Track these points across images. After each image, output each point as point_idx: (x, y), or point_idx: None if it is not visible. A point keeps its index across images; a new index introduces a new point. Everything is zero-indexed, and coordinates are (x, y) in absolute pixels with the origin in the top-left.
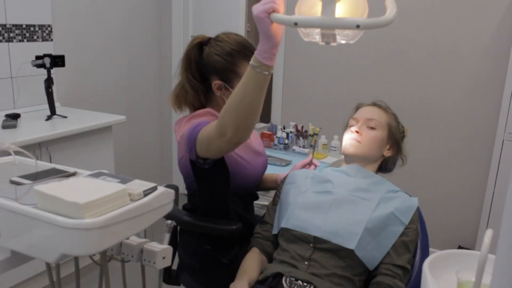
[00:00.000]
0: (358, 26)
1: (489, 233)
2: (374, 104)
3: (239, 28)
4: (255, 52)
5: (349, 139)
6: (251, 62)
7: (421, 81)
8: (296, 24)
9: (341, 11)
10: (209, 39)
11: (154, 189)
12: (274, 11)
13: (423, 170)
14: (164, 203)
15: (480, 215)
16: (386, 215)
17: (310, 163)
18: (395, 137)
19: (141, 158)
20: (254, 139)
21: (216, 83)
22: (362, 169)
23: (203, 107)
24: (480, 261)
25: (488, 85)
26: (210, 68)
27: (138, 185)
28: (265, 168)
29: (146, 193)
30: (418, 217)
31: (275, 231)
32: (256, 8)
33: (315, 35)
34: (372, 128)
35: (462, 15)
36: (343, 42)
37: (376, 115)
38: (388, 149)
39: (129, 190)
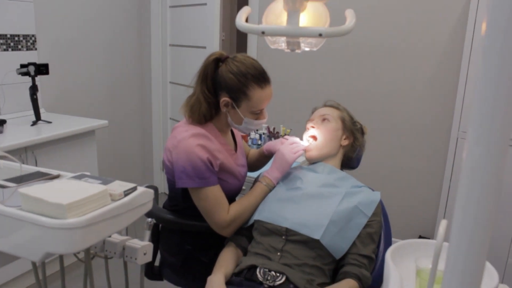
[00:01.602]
0: (320, 35)
1: (443, 223)
2: (325, 105)
3: (215, 37)
4: (270, 176)
5: (307, 138)
6: (265, 183)
7: (383, 86)
8: (263, 32)
9: (304, 21)
10: (227, 57)
11: (134, 189)
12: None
13: (385, 167)
14: (144, 202)
15: (438, 206)
16: (350, 208)
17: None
18: (349, 127)
19: (123, 160)
20: (240, 152)
21: (224, 100)
22: (327, 166)
23: (212, 118)
24: (436, 249)
25: (442, 85)
26: (222, 84)
27: (118, 186)
28: (245, 176)
29: (127, 193)
30: (381, 210)
31: (244, 225)
32: (290, 157)
33: (281, 43)
34: (325, 120)
35: (417, 16)
36: (307, 49)
37: (328, 111)
38: (344, 139)
39: (110, 191)
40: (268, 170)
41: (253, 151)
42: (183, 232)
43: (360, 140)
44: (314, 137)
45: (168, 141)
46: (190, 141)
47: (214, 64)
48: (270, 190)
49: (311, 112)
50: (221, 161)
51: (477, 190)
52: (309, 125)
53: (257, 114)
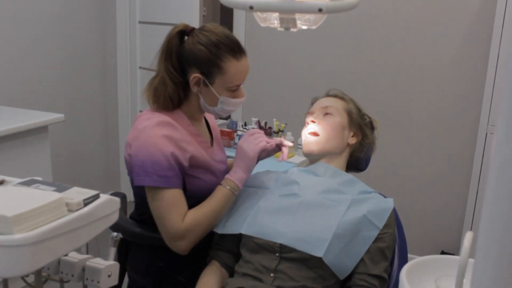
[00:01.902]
0: (320, 10)
1: (469, 236)
2: (328, 95)
3: (194, 12)
4: (234, 178)
5: (306, 135)
6: (229, 187)
7: (397, 72)
8: (251, 8)
9: None
10: (193, 29)
11: (96, 197)
12: (265, 149)
13: (400, 169)
14: (108, 213)
15: (464, 216)
16: (358, 218)
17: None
18: (357, 122)
19: (83, 163)
20: (217, 146)
21: (195, 76)
22: (330, 167)
23: (181, 103)
24: (460, 266)
25: (468, 70)
26: (191, 59)
27: (77, 193)
28: (225, 174)
29: (87, 202)
30: (395, 220)
31: (218, 230)
32: (252, 150)
33: (273, 20)
34: (328, 114)
35: (442, 2)
36: (304, 27)
37: (332, 102)
38: (352, 136)
39: (66, 199)
40: (231, 171)
41: (231, 161)
42: (153, 247)
43: (369, 138)
44: (315, 134)
45: (129, 134)
46: (154, 130)
47: (178, 38)
48: (235, 195)
49: (311, 103)
50: (191, 154)
51: (507, 194)
52: (308, 119)
53: (234, 92)
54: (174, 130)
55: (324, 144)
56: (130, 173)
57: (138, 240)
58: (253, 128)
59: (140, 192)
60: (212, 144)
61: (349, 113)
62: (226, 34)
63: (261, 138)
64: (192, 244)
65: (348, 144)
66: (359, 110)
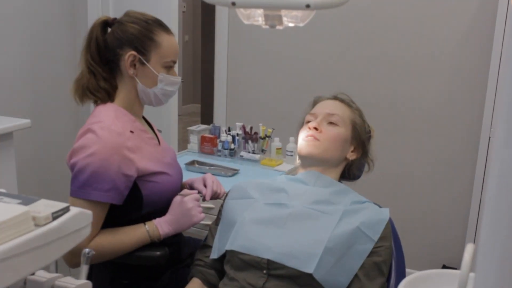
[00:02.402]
0: (308, 6)
1: (470, 248)
2: (335, 98)
3: (172, 8)
4: (161, 231)
5: (305, 138)
6: (151, 234)
7: (393, 73)
8: (234, 4)
9: None
10: (115, 18)
11: (65, 210)
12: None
13: (397, 177)
14: (80, 227)
15: (467, 226)
16: (350, 230)
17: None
18: (361, 137)
19: (51, 172)
20: (165, 148)
21: (130, 54)
22: (322, 176)
23: (109, 97)
24: (460, 281)
25: (470, 71)
26: (122, 40)
27: (45, 206)
28: (181, 177)
29: (56, 215)
30: (391, 232)
31: (214, 255)
32: (198, 218)
33: (258, 17)
34: (333, 124)
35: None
36: (291, 25)
37: (338, 109)
38: (352, 151)
39: (33, 213)
40: (161, 221)
41: (192, 180)
42: (117, 264)
43: (369, 155)
44: (314, 138)
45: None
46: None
47: (101, 28)
48: (151, 241)
49: (312, 102)
50: (138, 165)
51: (508, 203)
52: (311, 124)
53: (170, 69)
54: (118, 136)
55: (323, 151)
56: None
57: None
58: (237, 134)
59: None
60: (159, 143)
61: (354, 125)
62: (152, 16)
63: (201, 209)
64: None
65: (346, 158)
66: (363, 122)
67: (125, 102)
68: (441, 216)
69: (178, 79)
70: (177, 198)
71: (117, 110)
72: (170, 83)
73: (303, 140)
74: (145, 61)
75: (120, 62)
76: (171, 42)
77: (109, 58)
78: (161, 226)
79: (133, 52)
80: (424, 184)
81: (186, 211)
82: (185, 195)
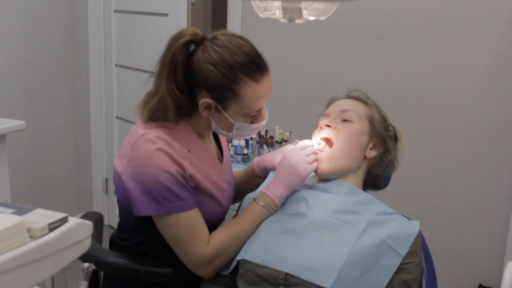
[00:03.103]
0: None
1: (510, 267)
2: (349, 96)
3: (181, 1)
4: (272, 195)
5: (316, 144)
6: (264, 204)
7: (423, 74)
8: None
9: None
10: (204, 38)
11: (63, 220)
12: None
13: (428, 186)
14: (78, 240)
15: (505, 243)
16: (376, 244)
17: None
18: (380, 133)
19: (48, 179)
20: (227, 163)
21: (204, 101)
22: (344, 184)
23: (184, 117)
24: None
25: (508, 69)
26: (200, 80)
27: (41, 217)
28: (231, 199)
29: (53, 226)
30: (422, 247)
31: (225, 271)
32: (305, 170)
33: (275, 10)
34: (347, 120)
35: None
36: (311, 18)
37: (352, 106)
38: (371, 149)
39: (28, 224)
40: (269, 185)
41: (236, 172)
42: (133, 281)
43: (392, 153)
44: (328, 141)
45: (124, 144)
46: (150, 147)
47: (185, 50)
48: (271, 213)
49: (327, 105)
50: (190, 172)
51: None
52: (323, 122)
53: (253, 117)
54: (170, 145)
55: (338, 161)
56: (121, 195)
57: (116, 273)
58: (251, 138)
59: (126, 216)
60: (222, 161)
61: (372, 121)
62: (244, 49)
63: (314, 156)
64: (218, 268)
65: (365, 158)
66: (383, 118)
67: (195, 123)
68: (477, 229)
69: (260, 125)
70: (279, 157)
71: (184, 126)
72: (249, 130)
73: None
74: (222, 110)
75: (196, 99)
76: (258, 93)
77: (193, 86)
78: (271, 192)
79: (209, 100)
80: (459, 197)
81: (291, 169)
82: (286, 150)
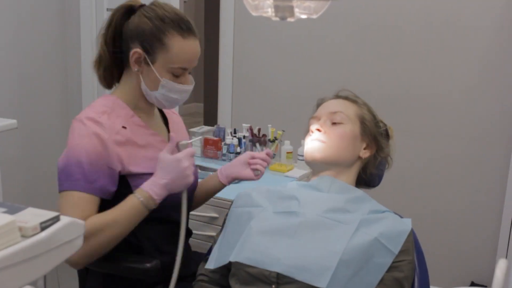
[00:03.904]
0: None
1: (502, 264)
2: (337, 96)
3: None
4: (148, 189)
5: (309, 143)
6: (140, 197)
7: (415, 66)
8: None
9: None
10: (142, 5)
11: (55, 219)
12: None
13: (420, 185)
14: (70, 238)
15: (498, 239)
16: (368, 242)
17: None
18: (371, 132)
19: (39, 178)
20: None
21: (135, 51)
22: (336, 181)
23: (112, 84)
24: None
25: (504, 65)
26: (133, 32)
27: (32, 215)
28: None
29: (44, 225)
30: (414, 245)
31: (210, 265)
32: (192, 178)
33: (267, 8)
34: (337, 123)
35: None
36: (303, 17)
37: (342, 107)
38: (364, 148)
39: (19, 223)
40: (151, 182)
41: (202, 181)
42: (113, 276)
43: (385, 150)
44: (319, 141)
45: None
46: (81, 126)
47: (123, 13)
48: (148, 210)
49: (316, 106)
50: (118, 152)
51: None
52: (313, 126)
53: (178, 77)
54: (100, 124)
55: (331, 152)
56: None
57: (95, 267)
58: (244, 136)
59: None
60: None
61: (362, 121)
62: (176, 12)
63: (191, 171)
64: (87, 257)
65: (359, 157)
66: (373, 116)
67: (127, 95)
68: (469, 227)
69: (186, 87)
70: (167, 157)
71: (115, 103)
72: (175, 91)
73: (308, 145)
74: (150, 62)
75: (128, 54)
76: (183, 47)
77: (122, 47)
78: (153, 190)
79: (139, 50)
80: (450, 192)
81: (181, 171)
82: (177, 151)
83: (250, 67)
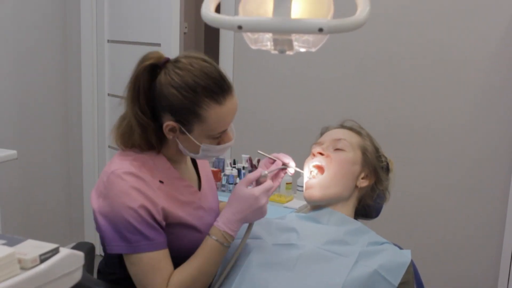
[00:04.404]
0: (321, 30)
1: None
2: (342, 126)
3: (173, 29)
4: (221, 226)
5: (308, 172)
6: (216, 238)
7: (413, 96)
8: (240, 27)
9: (298, 10)
10: (166, 61)
11: (55, 251)
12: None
13: (420, 215)
14: (70, 270)
15: (499, 271)
16: (368, 274)
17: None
18: (372, 163)
19: (39, 209)
20: (208, 189)
21: (168, 124)
22: (335, 213)
23: (154, 148)
24: None
25: (501, 96)
26: (163, 103)
27: (32, 247)
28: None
29: (44, 257)
30: (414, 277)
31: None
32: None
33: (266, 42)
34: (340, 149)
35: (467, 8)
36: (302, 50)
37: (345, 135)
38: (362, 178)
39: (18, 255)
40: (226, 218)
41: (223, 204)
42: None
43: (384, 183)
44: (321, 169)
45: (99, 179)
46: (121, 184)
47: (148, 73)
48: (227, 247)
49: (320, 133)
50: (164, 206)
51: None
52: (315, 150)
53: (219, 138)
54: (141, 180)
55: (328, 187)
56: (98, 230)
57: None
58: (243, 167)
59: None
60: (200, 188)
61: (364, 151)
62: (207, 72)
63: (269, 185)
64: None
65: (357, 187)
66: (376, 149)
67: (166, 151)
68: (469, 258)
69: (227, 145)
70: (244, 191)
71: (150, 155)
72: (216, 151)
73: (306, 179)
74: (186, 132)
75: (161, 122)
76: (221, 114)
77: (158, 108)
78: (229, 228)
79: (172, 123)
80: (450, 223)
81: (257, 209)
82: (253, 186)
83: (249, 99)
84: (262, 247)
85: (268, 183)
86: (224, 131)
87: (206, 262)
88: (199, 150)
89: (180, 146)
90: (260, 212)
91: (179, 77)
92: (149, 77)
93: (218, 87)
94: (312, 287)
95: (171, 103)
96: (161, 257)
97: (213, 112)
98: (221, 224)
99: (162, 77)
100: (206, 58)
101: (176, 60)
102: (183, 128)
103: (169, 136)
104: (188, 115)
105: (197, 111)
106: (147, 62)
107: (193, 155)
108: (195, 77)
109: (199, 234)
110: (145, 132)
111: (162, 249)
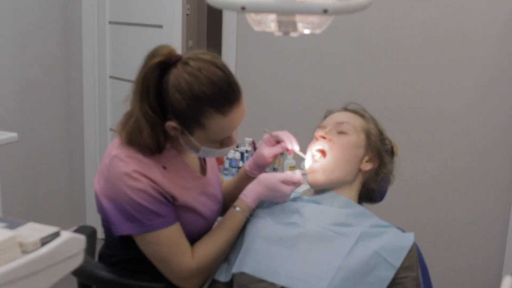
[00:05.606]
0: (326, 11)
1: (507, 282)
2: (345, 109)
3: (176, 11)
4: (246, 198)
5: (310, 156)
6: (240, 209)
7: (418, 79)
8: (243, 8)
9: None
10: (178, 59)
11: (56, 235)
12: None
13: (424, 198)
14: (71, 254)
15: (504, 256)
16: (368, 255)
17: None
18: (376, 146)
19: (40, 192)
20: (213, 176)
21: (171, 124)
22: (339, 197)
23: (161, 149)
24: None
25: (510, 80)
26: (168, 105)
27: (33, 231)
28: (217, 213)
29: (45, 241)
30: (418, 261)
31: (220, 277)
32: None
33: (270, 23)
34: (343, 132)
35: (474, 6)
36: (306, 32)
37: (349, 118)
38: (366, 161)
39: (19, 238)
40: (245, 190)
41: (228, 180)
42: None
43: (388, 167)
44: (323, 152)
45: (101, 163)
46: (126, 167)
47: (158, 71)
48: (246, 217)
49: (324, 117)
50: (167, 190)
51: None
52: (318, 133)
53: (221, 142)
54: (143, 163)
55: (332, 171)
56: (103, 214)
57: (106, 287)
58: (246, 150)
59: (111, 235)
60: (205, 174)
61: (368, 134)
62: (214, 81)
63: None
64: (204, 280)
65: (360, 171)
66: (380, 132)
67: (173, 143)
68: (474, 242)
69: (228, 149)
70: (275, 181)
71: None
72: (216, 154)
73: (308, 167)
74: (188, 134)
75: (166, 119)
76: (224, 125)
77: (164, 106)
78: (251, 203)
79: (174, 124)
80: (455, 206)
81: (281, 197)
82: (284, 179)
83: (252, 82)
84: (265, 224)
85: (299, 182)
86: (228, 136)
87: (232, 233)
88: (199, 151)
89: (182, 142)
90: (281, 201)
91: (186, 83)
92: (158, 75)
93: (224, 98)
94: (311, 266)
95: (175, 108)
96: (178, 231)
97: (215, 122)
98: (251, 201)
99: (171, 78)
100: (217, 61)
101: (186, 62)
102: (185, 131)
103: (171, 132)
104: (190, 122)
105: (200, 119)
106: (156, 60)
107: (193, 153)
108: (202, 86)
109: (201, 219)
110: (154, 130)
111: (176, 223)
